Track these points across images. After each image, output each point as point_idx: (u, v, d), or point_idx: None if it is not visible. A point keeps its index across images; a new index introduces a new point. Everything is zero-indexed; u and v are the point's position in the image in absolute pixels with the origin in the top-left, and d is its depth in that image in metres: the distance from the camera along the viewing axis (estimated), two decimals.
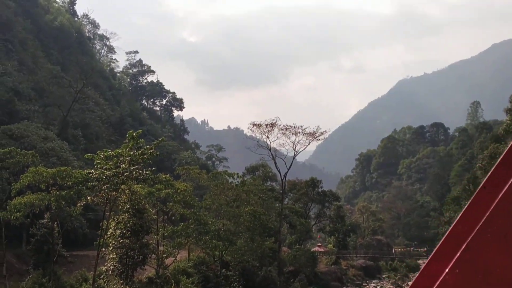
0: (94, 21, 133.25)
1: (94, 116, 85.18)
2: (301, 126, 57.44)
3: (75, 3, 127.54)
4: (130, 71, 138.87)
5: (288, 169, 58.97)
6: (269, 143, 58.10)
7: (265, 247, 50.72)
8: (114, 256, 29.95)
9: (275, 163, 60.24)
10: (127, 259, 30.03)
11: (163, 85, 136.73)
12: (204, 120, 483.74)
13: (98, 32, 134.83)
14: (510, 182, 1.60)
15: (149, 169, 32.65)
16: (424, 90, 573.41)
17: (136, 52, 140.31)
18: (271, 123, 56.77)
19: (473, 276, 1.55)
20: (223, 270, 45.81)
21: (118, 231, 30.08)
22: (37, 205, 32.46)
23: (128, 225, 30.01)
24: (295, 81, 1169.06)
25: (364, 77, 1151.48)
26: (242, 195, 49.72)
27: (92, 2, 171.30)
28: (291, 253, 58.84)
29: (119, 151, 31.19)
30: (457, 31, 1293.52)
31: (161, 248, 37.65)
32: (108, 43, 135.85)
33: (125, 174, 30.03)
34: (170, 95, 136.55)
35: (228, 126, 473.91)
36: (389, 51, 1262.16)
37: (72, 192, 32.53)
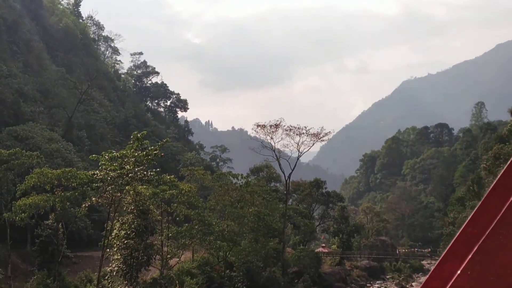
0: (99, 23, 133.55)
1: (98, 117, 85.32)
2: (305, 127, 57.36)
3: (80, 5, 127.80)
4: (135, 72, 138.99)
5: (292, 170, 58.91)
6: (273, 144, 58.04)
7: (269, 248, 50.73)
8: (119, 257, 29.95)
9: (279, 164, 60.20)
10: (132, 260, 30.02)
11: (168, 87, 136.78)
12: (209, 121, 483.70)
13: (103, 34, 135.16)
14: None
15: (154, 170, 32.65)
16: (428, 90, 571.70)
17: (141, 53, 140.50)
18: (275, 124, 56.73)
19: (485, 278, 1.55)
20: (227, 271, 45.84)
21: (123, 232, 30.08)
22: (42, 206, 32.52)
23: (133, 226, 30.00)
24: (299, 82, 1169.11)
25: (368, 77, 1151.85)
26: (246, 196, 49.71)
27: (97, 4, 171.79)
28: (295, 254, 58.77)
29: (124, 152, 31.20)
30: (461, 32, 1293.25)
31: (165, 249, 37.66)
32: (112, 45, 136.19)
33: (130, 175, 30.05)
34: (174, 96, 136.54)
35: (232, 127, 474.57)
36: (393, 52, 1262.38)
37: (76, 193, 32.59)
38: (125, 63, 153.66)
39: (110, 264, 31.08)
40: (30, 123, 57.05)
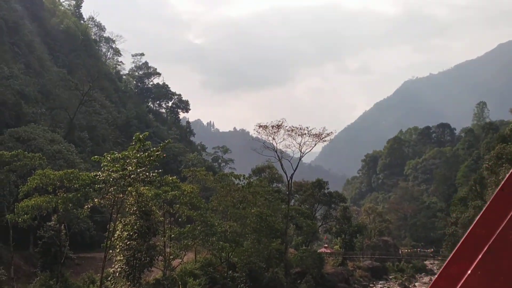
0: (100, 24, 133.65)
1: (100, 118, 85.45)
2: (307, 127, 57.48)
3: (81, 6, 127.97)
4: (136, 73, 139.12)
5: (294, 171, 58.95)
6: (275, 144, 58.09)
7: (272, 248, 50.75)
8: (121, 258, 29.98)
9: (281, 165, 60.24)
10: (134, 261, 30.05)
11: (169, 87, 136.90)
12: (210, 122, 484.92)
13: (104, 35, 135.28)
14: None
15: (156, 171, 32.70)
16: (430, 90, 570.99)
17: (142, 54, 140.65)
18: (277, 125, 56.78)
19: (495, 278, 1.55)
20: (230, 272, 45.86)
21: (125, 233, 30.11)
22: (44, 208, 32.59)
23: (135, 227, 30.03)
24: (301, 82, 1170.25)
25: (369, 78, 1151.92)
26: (248, 196, 49.73)
27: (98, 5, 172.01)
28: (298, 255, 58.79)
29: (126, 153, 31.24)
30: (463, 32, 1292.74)
31: (168, 250, 37.67)
32: (114, 46, 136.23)
33: (132, 176, 30.09)
34: (176, 97, 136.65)
35: (234, 128, 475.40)
36: (395, 52, 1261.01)
37: (79, 195, 32.62)
38: (126, 64, 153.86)
39: (113, 265, 31.11)
40: (31, 124, 57.10)
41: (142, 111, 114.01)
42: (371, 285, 70.91)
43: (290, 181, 62.00)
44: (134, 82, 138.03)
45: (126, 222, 30.74)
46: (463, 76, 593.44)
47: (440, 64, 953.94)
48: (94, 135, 77.70)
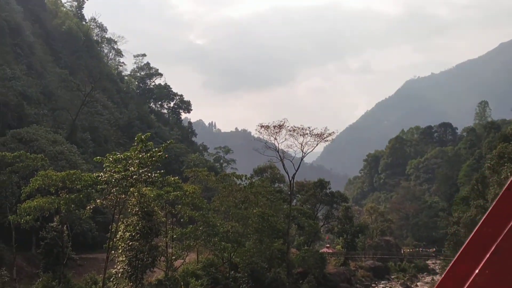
0: (102, 25, 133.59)
1: (102, 119, 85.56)
2: (309, 127, 57.33)
3: (83, 7, 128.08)
4: (138, 74, 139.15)
5: (296, 171, 58.89)
6: (277, 144, 58.00)
7: (274, 248, 50.74)
8: (124, 258, 29.99)
9: (283, 165, 60.17)
10: (137, 262, 30.06)
11: (171, 88, 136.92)
12: (212, 122, 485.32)
13: (106, 36, 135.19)
14: None
15: (158, 171, 32.74)
16: (432, 90, 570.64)
17: (144, 55, 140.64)
18: (278, 125, 56.67)
19: (503, 277, 1.55)
20: (232, 272, 45.84)
21: (127, 234, 30.12)
22: (46, 209, 32.58)
23: (137, 227, 30.04)
24: (302, 82, 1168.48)
25: (371, 77, 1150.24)
26: (250, 196, 49.72)
27: (100, 6, 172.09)
28: (300, 255, 58.76)
29: (128, 154, 31.29)
30: (465, 31, 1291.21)
31: (170, 250, 37.70)
32: (115, 47, 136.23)
33: (134, 177, 30.13)
34: (177, 97, 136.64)
35: (236, 128, 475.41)
36: (397, 51, 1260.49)
37: (81, 195, 32.64)
38: (128, 65, 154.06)
39: (115, 266, 31.13)
40: (34, 125, 57.20)
41: (144, 112, 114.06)
42: (373, 285, 70.84)
43: (292, 181, 61.99)
44: (136, 82, 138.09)
45: (128, 222, 30.76)
46: (464, 76, 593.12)
47: (441, 64, 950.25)
48: (96, 136, 77.77)
